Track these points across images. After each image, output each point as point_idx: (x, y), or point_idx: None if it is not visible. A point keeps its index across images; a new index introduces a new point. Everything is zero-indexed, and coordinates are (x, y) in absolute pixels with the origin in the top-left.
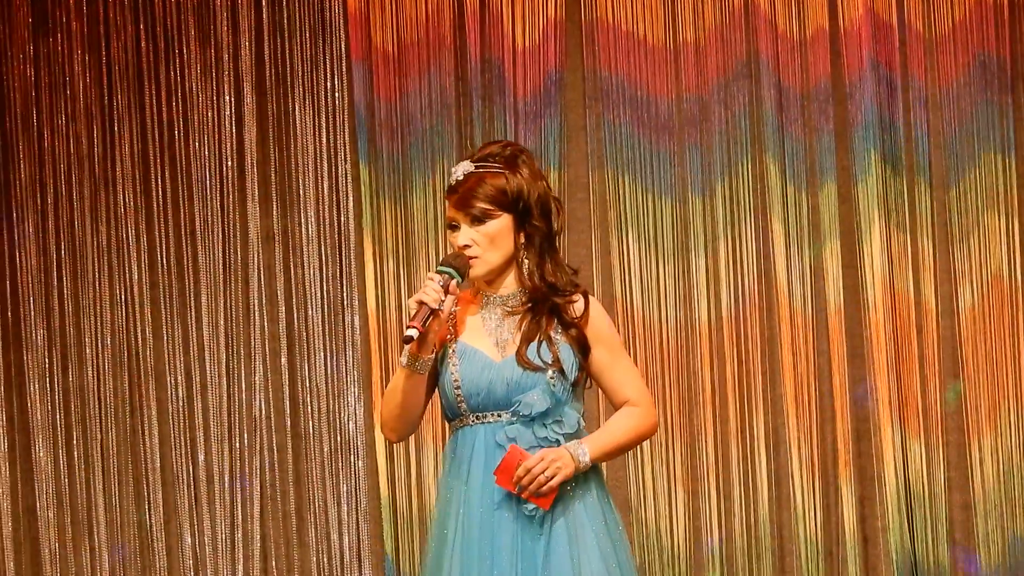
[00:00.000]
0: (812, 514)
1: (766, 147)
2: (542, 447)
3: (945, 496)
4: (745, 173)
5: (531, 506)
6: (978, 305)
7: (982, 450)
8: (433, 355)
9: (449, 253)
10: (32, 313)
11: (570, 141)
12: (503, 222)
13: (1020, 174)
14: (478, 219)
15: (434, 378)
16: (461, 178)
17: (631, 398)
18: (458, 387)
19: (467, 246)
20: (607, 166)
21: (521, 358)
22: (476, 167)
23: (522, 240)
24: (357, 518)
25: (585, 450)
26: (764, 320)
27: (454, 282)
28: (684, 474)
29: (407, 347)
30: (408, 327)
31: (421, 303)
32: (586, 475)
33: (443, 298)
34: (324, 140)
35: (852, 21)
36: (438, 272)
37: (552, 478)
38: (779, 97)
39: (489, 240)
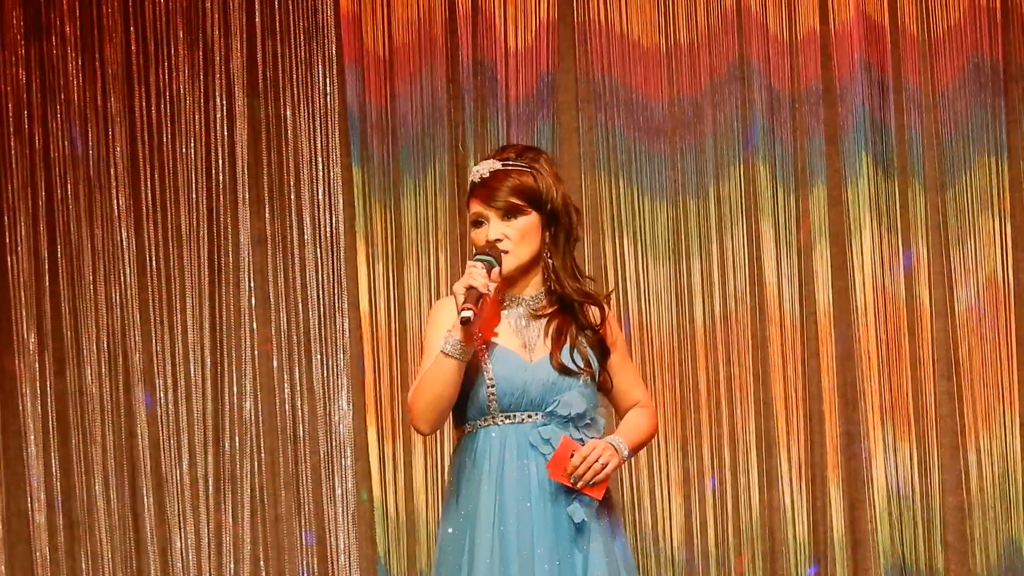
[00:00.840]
0: (802, 517)
1: (757, 150)
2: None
3: (940, 498)
4: (736, 176)
5: (585, 499)
6: (972, 307)
7: (977, 452)
8: (475, 345)
9: (482, 245)
10: (24, 317)
11: (563, 143)
12: (532, 220)
13: (1013, 176)
14: (509, 213)
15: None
16: (487, 175)
17: (640, 401)
18: (492, 386)
19: (499, 240)
20: (600, 168)
21: (557, 362)
22: (503, 165)
23: (547, 240)
24: (348, 521)
25: (623, 443)
26: (756, 322)
27: (496, 270)
28: (678, 473)
29: (454, 338)
30: (463, 308)
31: (470, 287)
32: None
33: (488, 283)
34: (316, 142)
35: (843, 23)
36: (478, 260)
37: (606, 466)
38: (770, 99)
39: (520, 235)
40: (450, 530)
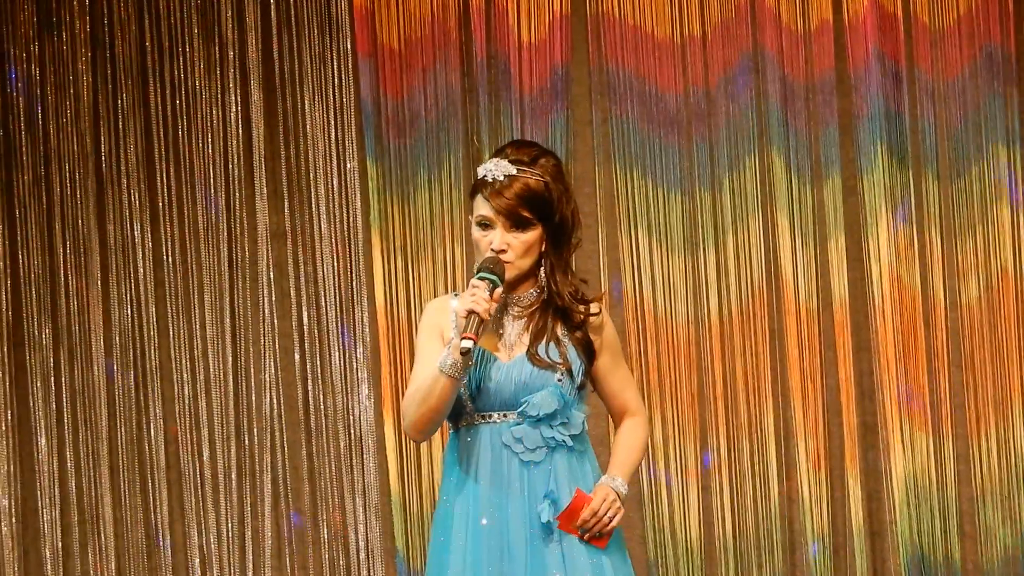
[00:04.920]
0: (820, 508)
1: (771, 140)
2: (549, 447)
3: (955, 488)
4: (752, 167)
5: (554, 496)
6: (984, 297)
7: (989, 441)
8: (472, 363)
9: (487, 258)
10: (36, 312)
11: (577, 136)
12: (537, 232)
13: None
14: (517, 225)
15: None
16: (502, 179)
17: (630, 406)
18: (466, 387)
19: (503, 251)
20: (614, 161)
21: (533, 356)
22: (518, 170)
23: (544, 249)
24: (368, 515)
25: (622, 481)
26: (772, 314)
27: (499, 291)
28: (696, 467)
29: (452, 358)
30: (463, 338)
31: (471, 312)
32: (585, 471)
33: (490, 307)
34: (332, 136)
35: (856, 13)
36: (480, 278)
37: (613, 518)
38: (784, 90)
39: (525, 248)
40: (434, 529)
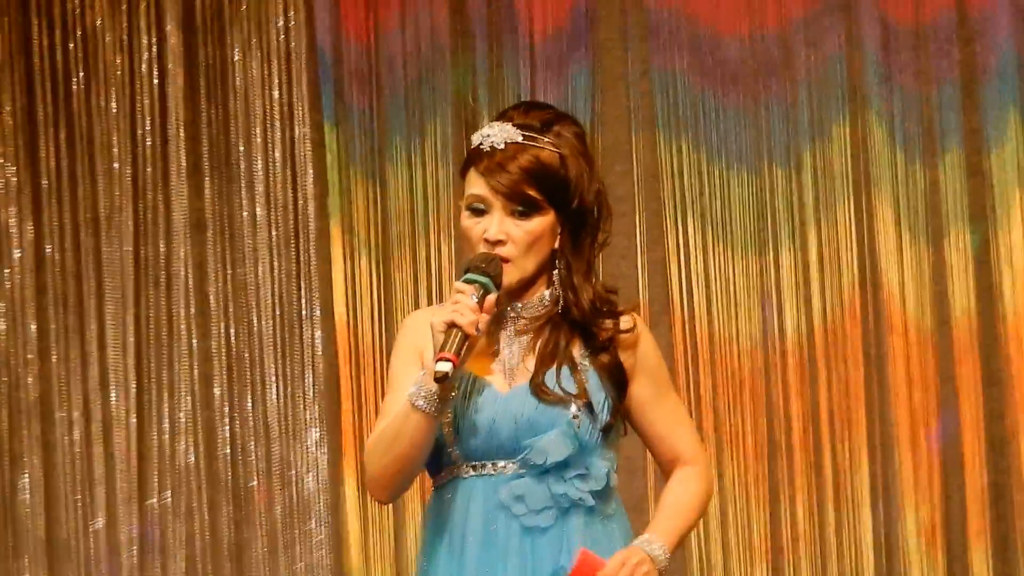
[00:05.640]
0: None
1: (868, 103)
2: (560, 508)
3: None
4: (841, 138)
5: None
6: None
7: None
8: (457, 393)
9: (478, 254)
10: None
11: (605, 95)
12: (548, 220)
13: None
14: (522, 211)
15: None
16: (500, 146)
17: (684, 453)
18: (450, 426)
19: (501, 242)
20: (658, 128)
21: (538, 386)
22: (523, 136)
23: (560, 245)
24: None
25: (662, 546)
26: (869, 335)
27: (491, 297)
28: (764, 541)
29: (427, 388)
30: (438, 359)
31: (452, 325)
32: (612, 539)
33: (479, 319)
34: (274, 94)
35: None
36: (466, 281)
37: None
38: (885, 36)
39: (530, 241)
40: None
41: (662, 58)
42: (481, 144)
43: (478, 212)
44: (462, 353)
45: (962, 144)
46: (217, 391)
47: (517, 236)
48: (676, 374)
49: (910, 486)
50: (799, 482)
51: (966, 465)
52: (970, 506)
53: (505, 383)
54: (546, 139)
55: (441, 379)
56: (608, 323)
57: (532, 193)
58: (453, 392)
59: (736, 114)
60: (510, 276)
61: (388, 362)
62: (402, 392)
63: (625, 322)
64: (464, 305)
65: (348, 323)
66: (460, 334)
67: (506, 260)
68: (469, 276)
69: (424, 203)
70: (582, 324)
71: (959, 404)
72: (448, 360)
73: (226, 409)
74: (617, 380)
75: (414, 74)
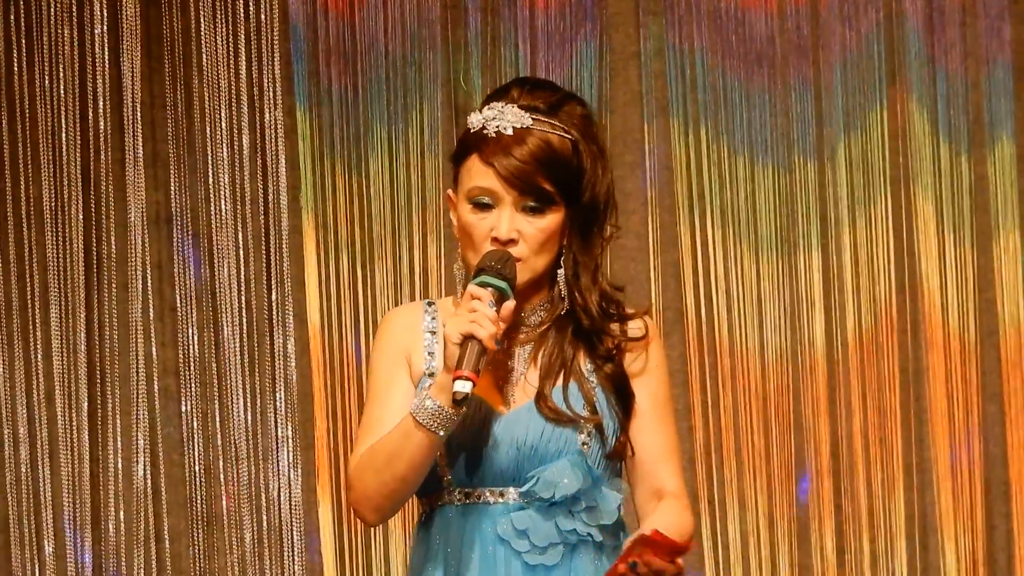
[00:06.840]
0: None
1: (908, 86)
2: (567, 544)
3: None
4: (878, 126)
5: None
6: None
7: None
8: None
9: (492, 252)
10: None
11: (615, 76)
12: (561, 216)
13: None
14: (535, 206)
15: None
16: (510, 131)
17: (667, 486)
18: (441, 449)
19: (513, 241)
20: (673, 115)
21: (545, 403)
22: (533, 120)
23: (573, 240)
24: None
25: None
26: (907, 347)
27: (509, 303)
28: (790, 574)
29: (436, 404)
30: (456, 377)
31: (469, 338)
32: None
33: (499, 330)
34: (242, 73)
35: None
36: (480, 283)
37: None
38: (928, 12)
39: (543, 240)
40: None
41: (678, 36)
42: (485, 128)
43: (482, 206)
44: (480, 368)
45: (1013, 135)
46: (178, 407)
47: (530, 234)
48: (691, 390)
49: (949, 515)
50: (826, 509)
51: (1012, 493)
52: (1017, 537)
53: (505, 400)
54: (558, 122)
55: (461, 401)
56: (615, 327)
57: (547, 186)
58: (463, 410)
59: (761, 99)
60: (521, 277)
61: (367, 367)
62: (390, 402)
63: (634, 328)
64: (482, 315)
65: (323, 331)
66: (479, 348)
67: (517, 260)
68: (485, 278)
69: (408, 197)
70: (587, 331)
71: (1005, 424)
72: (468, 379)
73: (189, 427)
74: (622, 396)
75: (398, 52)
